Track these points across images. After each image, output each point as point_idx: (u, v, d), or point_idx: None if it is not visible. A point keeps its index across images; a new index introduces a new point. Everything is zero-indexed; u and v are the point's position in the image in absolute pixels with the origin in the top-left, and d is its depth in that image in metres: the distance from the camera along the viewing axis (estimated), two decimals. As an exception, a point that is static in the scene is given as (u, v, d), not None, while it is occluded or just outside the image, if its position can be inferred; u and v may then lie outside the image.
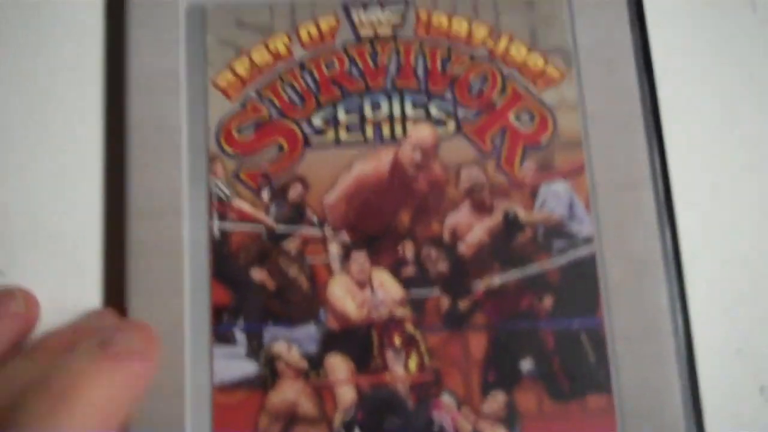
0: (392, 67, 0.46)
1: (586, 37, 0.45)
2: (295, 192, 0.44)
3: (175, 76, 0.44)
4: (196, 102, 0.45)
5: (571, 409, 0.41)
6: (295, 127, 0.45)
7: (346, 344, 0.42)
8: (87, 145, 0.44)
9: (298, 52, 0.46)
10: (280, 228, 0.43)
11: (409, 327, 0.42)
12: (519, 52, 0.45)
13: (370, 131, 0.45)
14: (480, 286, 0.42)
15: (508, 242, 0.43)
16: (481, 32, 0.46)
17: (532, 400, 0.41)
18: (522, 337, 0.42)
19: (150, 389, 0.37)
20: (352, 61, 0.46)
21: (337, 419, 0.41)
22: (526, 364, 0.41)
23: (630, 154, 0.44)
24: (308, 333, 0.42)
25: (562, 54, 0.45)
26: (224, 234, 0.43)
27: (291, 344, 0.42)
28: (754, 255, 0.43)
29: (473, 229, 0.43)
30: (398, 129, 0.45)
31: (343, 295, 0.42)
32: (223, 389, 0.41)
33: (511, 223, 0.43)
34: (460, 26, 0.46)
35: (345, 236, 0.43)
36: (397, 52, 0.46)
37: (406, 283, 0.43)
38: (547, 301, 0.42)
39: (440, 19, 0.46)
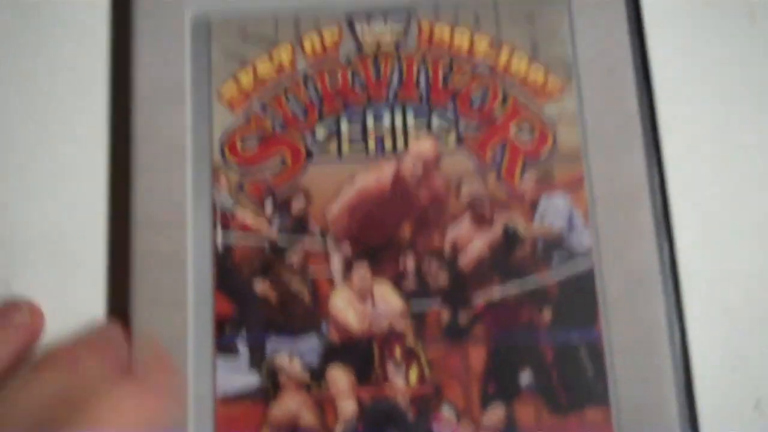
0: (394, 80, 0.46)
1: (586, 49, 0.46)
2: (297, 204, 0.44)
3: (180, 87, 0.45)
4: (201, 114, 0.45)
5: (570, 422, 0.41)
6: (298, 139, 0.45)
7: (348, 356, 0.42)
8: (92, 156, 0.44)
9: (302, 64, 0.46)
10: (283, 239, 0.44)
11: (410, 339, 0.43)
12: (520, 64, 0.46)
13: (372, 143, 0.45)
14: (480, 298, 0.43)
15: (507, 255, 0.44)
16: (482, 44, 0.46)
17: (531, 412, 0.41)
18: (521, 350, 0.42)
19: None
20: (354, 73, 0.46)
21: (338, 431, 0.41)
22: (525, 377, 0.42)
23: (628, 168, 0.44)
24: (310, 345, 0.42)
25: (562, 66, 0.46)
26: (227, 246, 0.43)
27: (293, 356, 0.42)
28: (751, 269, 0.43)
29: (473, 243, 0.44)
30: (400, 141, 0.45)
31: (345, 308, 0.43)
32: (225, 401, 0.41)
33: (511, 237, 0.44)
34: (461, 38, 0.46)
35: (347, 248, 0.44)
36: (400, 65, 0.46)
37: (407, 295, 0.43)
38: (546, 314, 0.43)
39: (442, 32, 0.46)
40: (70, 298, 0.42)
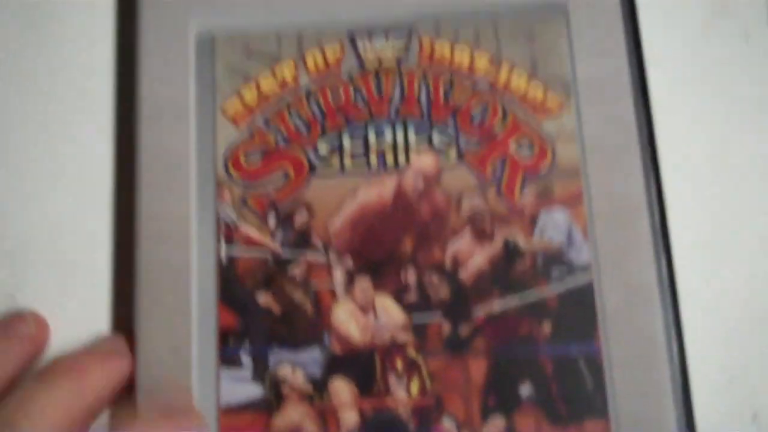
0: (396, 96, 0.47)
1: (585, 67, 0.46)
2: (300, 218, 0.45)
3: (184, 103, 0.45)
4: (205, 129, 0.46)
5: (569, 434, 0.42)
6: (301, 154, 0.45)
7: (350, 368, 0.43)
8: (97, 170, 0.45)
9: (304, 80, 0.47)
10: (286, 253, 0.44)
11: (411, 352, 0.43)
12: (519, 81, 0.46)
13: (374, 159, 0.46)
14: (480, 312, 0.43)
15: (508, 269, 0.44)
16: (482, 61, 0.47)
17: (530, 424, 0.42)
18: (521, 363, 0.43)
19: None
20: (356, 89, 0.47)
21: (340, 442, 0.42)
22: (525, 389, 0.42)
23: (627, 183, 0.44)
24: (312, 357, 0.43)
25: (561, 84, 0.46)
26: (231, 259, 0.44)
27: (296, 368, 0.42)
28: (750, 283, 0.44)
29: (474, 257, 0.44)
30: (401, 157, 0.46)
31: (347, 320, 0.43)
32: (229, 411, 0.42)
33: (511, 251, 0.44)
34: (462, 55, 0.47)
35: (349, 262, 0.44)
36: (401, 81, 0.47)
37: (408, 308, 0.43)
38: (546, 327, 0.43)
39: (443, 49, 0.47)
40: (75, 310, 0.43)
